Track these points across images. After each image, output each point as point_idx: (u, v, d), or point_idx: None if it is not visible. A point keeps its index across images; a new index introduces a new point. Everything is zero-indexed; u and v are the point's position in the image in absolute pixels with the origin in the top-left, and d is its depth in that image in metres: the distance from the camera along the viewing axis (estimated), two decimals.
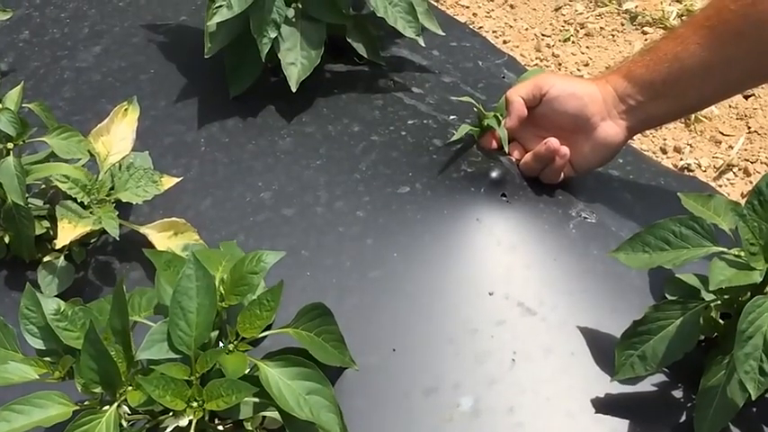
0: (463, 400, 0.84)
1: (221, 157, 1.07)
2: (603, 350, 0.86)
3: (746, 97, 1.28)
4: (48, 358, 0.73)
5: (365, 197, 1.00)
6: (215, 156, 1.07)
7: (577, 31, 1.39)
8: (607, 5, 1.42)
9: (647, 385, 0.84)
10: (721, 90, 0.94)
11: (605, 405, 0.84)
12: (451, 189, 0.99)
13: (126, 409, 0.72)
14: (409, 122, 1.08)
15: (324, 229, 0.98)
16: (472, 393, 0.85)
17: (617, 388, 0.84)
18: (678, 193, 0.85)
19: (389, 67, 1.15)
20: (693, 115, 1.23)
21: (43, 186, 0.98)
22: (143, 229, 0.95)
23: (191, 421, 0.70)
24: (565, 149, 0.94)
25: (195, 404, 0.70)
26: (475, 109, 1.01)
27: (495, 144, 1.01)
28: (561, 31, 1.39)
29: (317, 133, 1.08)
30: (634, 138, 1.21)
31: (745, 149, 1.20)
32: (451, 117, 1.08)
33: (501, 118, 0.99)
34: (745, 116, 1.25)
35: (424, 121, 1.08)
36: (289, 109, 1.11)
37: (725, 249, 0.77)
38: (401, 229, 0.97)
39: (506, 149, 0.98)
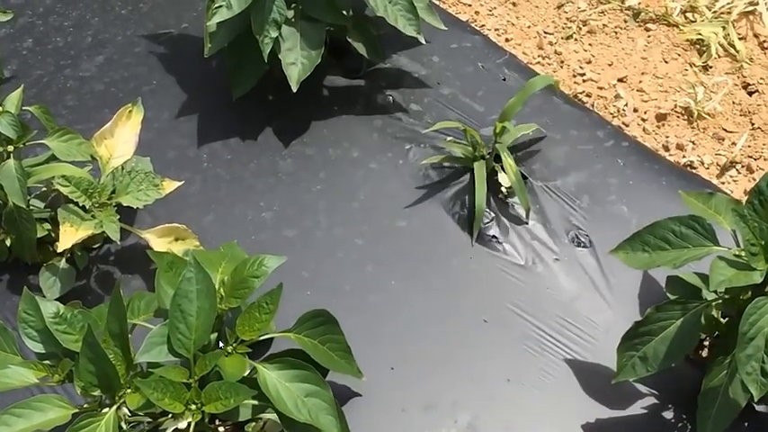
0: (460, 417, 0.87)
1: (223, 173, 1.09)
2: (597, 369, 0.89)
3: (750, 94, 1.27)
4: (47, 361, 0.73)
5: (363, 226, 1.03)
6: (217, 172, 1.09)
7: (580, 29, 1.38)
8: (610, 2, 1.41)
9: (642, 404, 0.86)
10: None
11: (595, 422, 0.86)
12: (445, 229, 1.02)
13: (126, 411, 0.72)
14: (407, 147, 1.10)
15: (324, 252, 1.01)
16: (469, 410, 0.88)
17: (612, 406, 0.86)
18: (679, 191, 0.85)
19: (388, 82, 1.16)
20: (696, 112, 1.22)
21: (44, 189, 0.99)
22: (144, 234, 0.95)
23: (189, 423, 0.70)
24: None
25: (194, 406, 0.70)
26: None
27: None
28: (564, 28, 1.38)
29: (318, 156, 1.10)
30: (636, 135, 1.21)
31: (749, 146, 1.19)
32: (449, 138, 1.09)
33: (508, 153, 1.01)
34: (749, 113, 1.24)
35: (421, 146, 1.10)
36: (290, 128, 1.13)
37: (725, 249, 0.76)
38: (399, 259, 1.00)
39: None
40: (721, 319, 0.83)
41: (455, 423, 0.86)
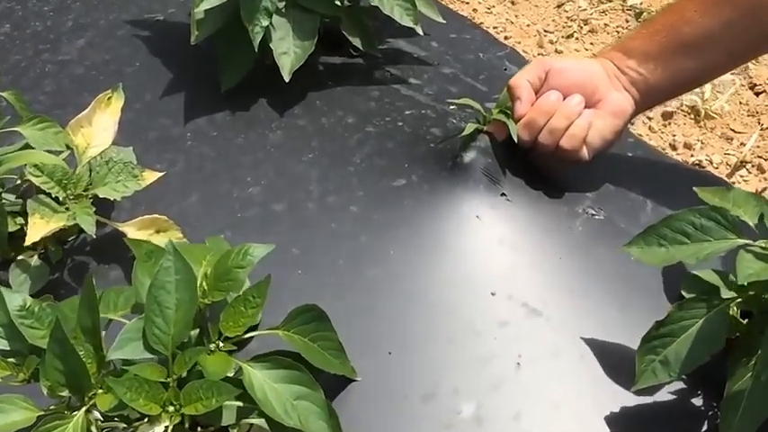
0: (465, 407, 0.79)
1: (208, 151, 1.02)
2: (613, 352, 0.81)
3: (757, 94, 1.23)
4: (12, 359, 0.67)
5: (359, 191, 0.95)
6: (202, 150, 1.02)
7: (581, 28, 1.34)
8: (611, 1, 1.38)
9: (669, 389, 0.78)
10: (721, 58, 0.89)
11: (617, 409, 0.78)
12: (450, 183, 0.93)
13: (97, 414, 0.65)
14: (406, 113, 1.03)
15: (315, 225, 0.92)
16: (474, 399, 0.79)
17: (629, 392, 0.77)
18: (694, 188, 0.79)
19: (386, 59, 1.10)
20: (703, 111, 1.18)
21: (18, 181, 0.93)
22: (122, 227, 0.89)
23: (167, 427, 0.64)
24: (578, 97, 0.89)
25: (171, 408, 0.64)
26: (474, 108, 0.96)
27: (503, 134, 0.95)
28: (564, 27, 1.35)
29: (310, 126, 1.03)
30: (642, 134, 1.17)
31: (758, 146, 1.15)
32: (451, 107, 1.02)
33: (507, 111, 0.93)
34: (757, 113, 1.20)
35: (422, 111, 1.03)
36: (280, 102, 1.06)
37: (750, 242, 0.71)
38: (397, 225, 0.91)
39: (515, 140, 0.92)
40: (741, 319, 0.78)
41: (458, 414, 0.78)
